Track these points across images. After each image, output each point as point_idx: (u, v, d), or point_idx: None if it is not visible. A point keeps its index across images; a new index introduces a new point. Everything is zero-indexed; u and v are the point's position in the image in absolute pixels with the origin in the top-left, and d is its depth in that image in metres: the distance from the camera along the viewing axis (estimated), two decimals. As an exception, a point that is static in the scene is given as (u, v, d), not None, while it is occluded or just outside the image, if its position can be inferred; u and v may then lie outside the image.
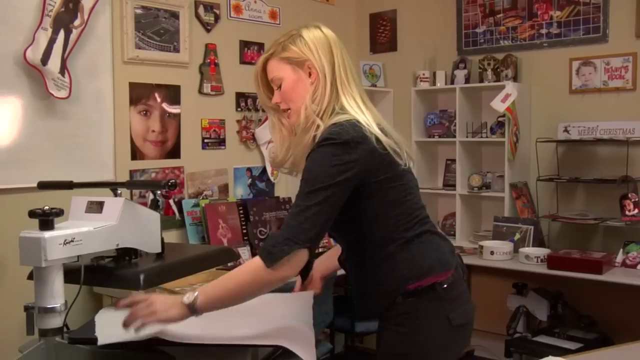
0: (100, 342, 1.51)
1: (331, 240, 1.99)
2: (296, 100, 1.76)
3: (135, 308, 1.52)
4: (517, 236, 3.93)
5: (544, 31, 4.10)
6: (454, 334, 1.76)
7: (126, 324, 1.50)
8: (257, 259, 1.59)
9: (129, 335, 1.51)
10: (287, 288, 2.99)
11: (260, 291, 1.64)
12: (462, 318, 1.76)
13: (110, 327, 1.61)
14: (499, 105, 3.88)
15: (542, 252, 3.71)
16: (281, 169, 1.89)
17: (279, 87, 1.78)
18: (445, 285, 1.72)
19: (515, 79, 4.13)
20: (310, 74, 1.75)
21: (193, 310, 1.55)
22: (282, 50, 1.77)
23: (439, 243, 1.79)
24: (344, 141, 1.61)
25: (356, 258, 1.80)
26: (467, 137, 4.26)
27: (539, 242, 3.94)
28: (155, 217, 1.83)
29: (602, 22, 3.87)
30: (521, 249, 3.78)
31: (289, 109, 1.79)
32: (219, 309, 1.59)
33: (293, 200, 4.23)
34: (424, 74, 4.45)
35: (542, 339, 3.70)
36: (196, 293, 1.56)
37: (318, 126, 1.70)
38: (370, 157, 1.65)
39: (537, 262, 3.66)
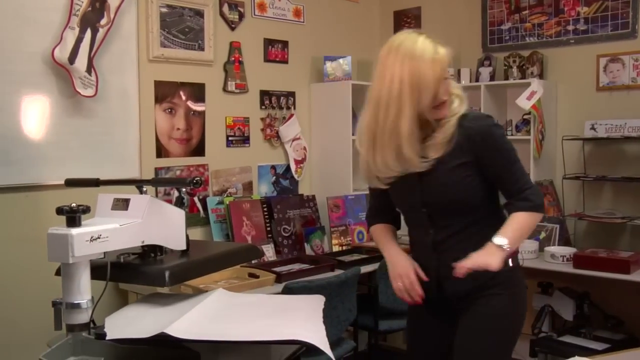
0: (109, 336, 1.52)
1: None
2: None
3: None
4: (543, 235, 3.89)
5: (570, 27, 4.05)
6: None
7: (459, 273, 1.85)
8: (528, 212, 1.94)
9: (141, 332, 1.53)
10: (297, 289, 3.00)
11: None
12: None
13: (124, 324, 1.63)
14: (524, 102, 3.84)
15: (568, 251, 3.67)
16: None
17: (447, 77, 1.95)
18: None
19: (541, 76, 4.09)
20: None
21: (504, 250, 1.88)
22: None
23: None
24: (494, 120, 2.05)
25: (469, 230, 1.99)
26: (492, 134, 4.22)
27: (564, 241, 3.89)
28: (180, 214, 1.85)
29: (632, 18, 3.81)
30: (547, 248, 3.74)
31: (446, 99, 1.95)
32: (513, 247, 1.92)
33: (317, 197, 4.26)
34: (448, 71, 4.42)
35: (568, 339, 3.66)
36: (502, 238, 1.88)
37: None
38: None
39: (563, 261, 3.62)
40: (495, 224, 1.96)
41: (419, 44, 1.87)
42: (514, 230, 1.93)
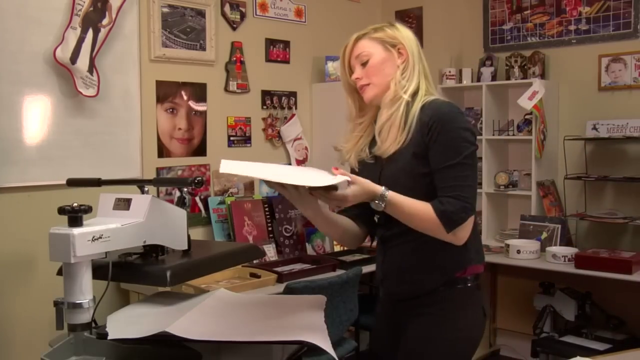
0: (111, 336, 1.52)
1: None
2: (381, 76, 1.88)
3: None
4: (544, 235, 3.89)
5: (572, 27, 4.05)
6: (484, 324, 1.92)
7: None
8: (437, 219, 1.71)
9: (143, 331, 1.53)
10: (298, 289, 3.01)
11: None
12: (487, 309, 1.91)
13: (125, 323, 1.63)
14: (526, 102, 3.84)
15: (570, 251, 3.66)
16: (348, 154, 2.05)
17: (364, 63, 1.89)
18: (481, 277, 1.85)
19: (542, 76, 4.08)
20: (400, 56, 1.89)
21: (382, 198, 1.70)
22: (374, 32, 1.92)
23: (479, 235, 1.91)
24: (462, 112, 1.83)
25: (413, 233, 1.79)
26: (493, 135, 4.22)
27: (566, 241, 3.89)
28: (181, 214, 1.85)
29: (633, 18, 3.80)
30: (548, 248, 3.74)
31: (369, 84, 1.89)
32: (394, 216, 1.74)
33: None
34: (450, 72, 4.42)
35: (570, 339, 3.66)
36: (389, 192, 1.70)
37: (406, 103, 1.83)
38: None
39: (565, 261, 3.61)
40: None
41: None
42: (407, 204, 1.72)
